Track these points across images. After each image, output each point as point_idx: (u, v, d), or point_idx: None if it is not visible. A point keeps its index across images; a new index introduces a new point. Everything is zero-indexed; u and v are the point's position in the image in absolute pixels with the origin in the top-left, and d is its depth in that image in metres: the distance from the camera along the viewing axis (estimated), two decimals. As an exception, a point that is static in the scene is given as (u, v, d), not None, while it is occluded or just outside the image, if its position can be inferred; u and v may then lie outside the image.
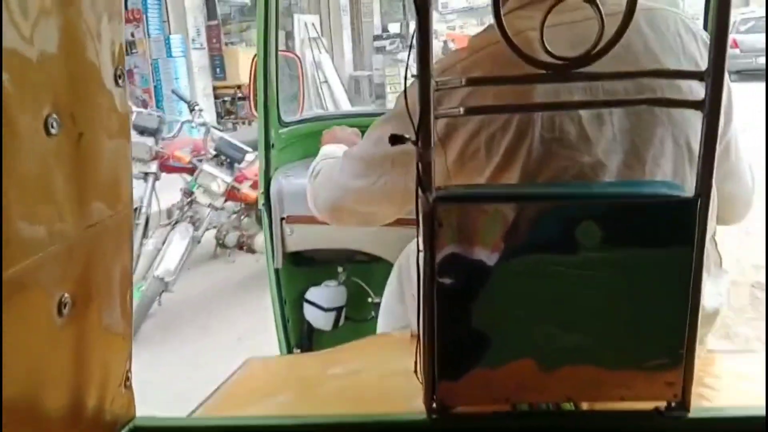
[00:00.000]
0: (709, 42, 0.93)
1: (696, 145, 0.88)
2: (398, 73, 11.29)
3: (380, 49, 13.06)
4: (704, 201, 0.58)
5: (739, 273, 3.94)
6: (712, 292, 0.98)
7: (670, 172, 0.88)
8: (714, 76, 0.56)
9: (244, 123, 9.94)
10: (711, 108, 0.56)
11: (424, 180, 0.58)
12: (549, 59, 0.57)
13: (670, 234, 0.60)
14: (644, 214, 0.60)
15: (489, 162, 0.89)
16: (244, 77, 10.19)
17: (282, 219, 1.81)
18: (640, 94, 0.81)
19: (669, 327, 0.63)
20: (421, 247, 0.61)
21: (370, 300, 1.94)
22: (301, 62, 2.38)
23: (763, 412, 0.66)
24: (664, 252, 0.61)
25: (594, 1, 0.57)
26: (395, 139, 0.58)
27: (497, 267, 0.61)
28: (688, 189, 0.62)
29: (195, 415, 0.86)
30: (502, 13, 0.56)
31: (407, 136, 0.58)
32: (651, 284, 0.62)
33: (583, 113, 0.86)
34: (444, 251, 0.60)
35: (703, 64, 0.90)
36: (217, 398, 0.94)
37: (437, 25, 18.30)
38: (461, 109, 0.62)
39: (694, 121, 0.88)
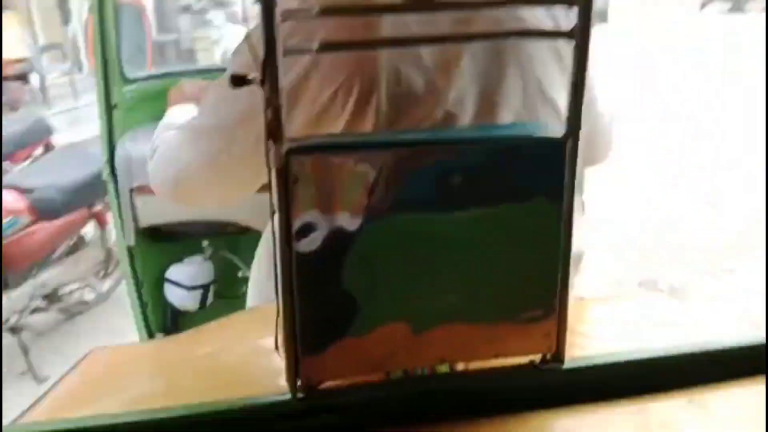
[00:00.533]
0: None
1: (547, 85, 0.86)
2: (209, 36, 9.99)
3: (186, 9, 11.29)
4: (574, 141, 0.55)
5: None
6: (576, 237, 0.98)
7: (524, 113, 0.85)
8: (584, 2, 0.51)
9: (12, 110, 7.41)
10: (582, 37, 0.52)
11: (274, 128, 0.49)
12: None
13: (538, 178, 0.56)
14: (511, 158, 0.56)
15: (337, 122, 0.84)
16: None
17: (131, 190, 1.64)
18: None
19: (542, 276, 0.60)
20: (275, 208, 0.53)
21: (241, 274, 1.83)
22: (145, 10, 2.16)
23: (636, 356, 0.65)
24: (534, 198, 0.57)
25: None
26: (238, 80, 0.49)
27: (361, 226, 0.54)
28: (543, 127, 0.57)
29: (22, 420, 0.73)
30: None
31: (251, 76, 0.49)
32: (522, 233, 0.59)
33: (431, 63, 0.81)
34: (301, 210, 0.52)
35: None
36: (52, 398, 0.80)
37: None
38: (314, 45, 0.54)
39: (545, 60, 0.86)
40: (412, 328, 0.58)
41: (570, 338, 0.62)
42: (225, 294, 1.87)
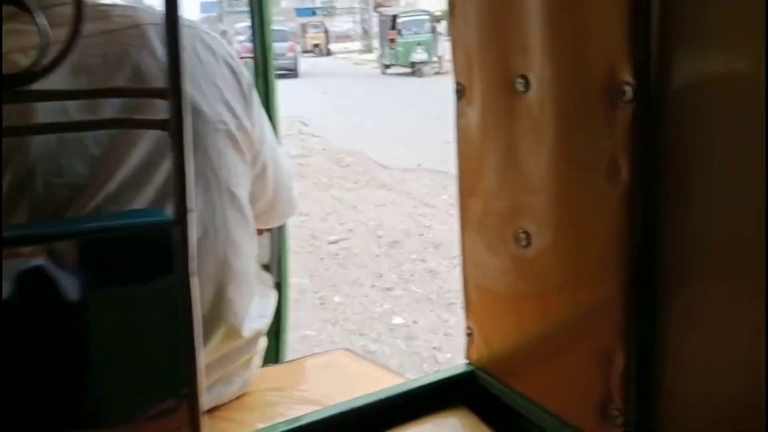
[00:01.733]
0: (234, 61, 0.92)
1: (225, 174, 0.87)
2: None
3: None
4: (183, 226, 0.54)
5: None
6: (255, 314, 0.99)
7: (200, 203, 0.84)
8: (174, 94, 0.52)
9: None
10: (176, 127, 0.52)
11: None
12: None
13: (150, 265, 0.55)
14: (119, 246, 0.54)
15: None
16: None
17: None
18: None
19: (168, 364, 0.57)
20: None
21: None
22: None
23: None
24: (151, 285, 0.56)
25: (29, 10, 0.48)
26: None
27: None
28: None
29: None
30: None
31: None
32: (143, 321, 0.56)
33: (98, 152, 0.77)
34: None
35: (225, 85, 0.89)
36: None
37: None
38: None
39: (220, 149, 0.87)
40: None
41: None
42: None
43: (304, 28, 29.54)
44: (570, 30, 0.57)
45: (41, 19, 0.48)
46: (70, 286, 0.53)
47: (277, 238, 1.44)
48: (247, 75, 0.96)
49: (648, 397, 0.65)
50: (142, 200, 0.80)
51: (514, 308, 0.77)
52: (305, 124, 10.29)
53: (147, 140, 0.80)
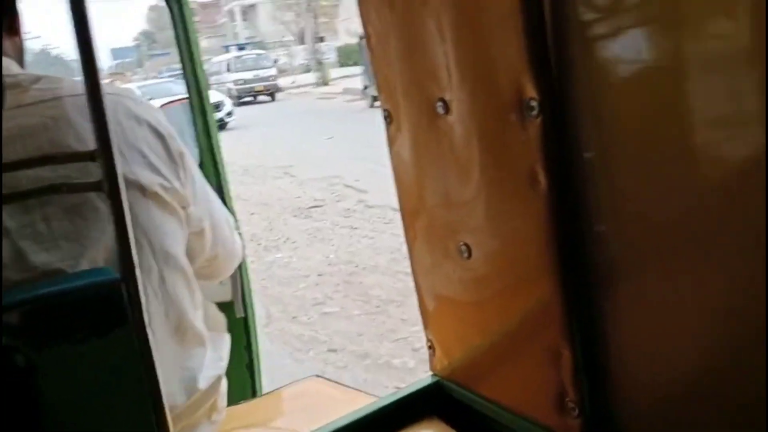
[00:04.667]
0: (160, 125, 0.92)
1: (157, 235, 0.86)
2: None
3: None
4: (132, 283, 0.54)
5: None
6: (210, 361, 0.97)
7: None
8: (105, 154, 0.52)
9: None
10: (110, 186, 0.53)
11: None
12: None
13: (103, 321, 0.55)
14: (68, 308, 0.54)
15: None
16: None
17: None
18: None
19: (134, 411, 0.57)
20: None
21: None
22: None
23: None
24: (106, 341, 0.55)
25: None
26: None
27: None
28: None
29: None
30: None
31: None
32: (102, 378, 0.56)
33: (12, 222, 0.74)
34: None
35: (150, 149, 0.89)
36: None
37: None
38: None
39: (151, 210, 0.86)
40: None
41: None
42: None
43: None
44: (476, 53, 0.59)
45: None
46: (29, 350, 0.53)
47: (238, 274, 1.43)
48: (174, 136, 0.95)
49: (599, 386, 0.66)
50: (57, 255, 0.77)
51: (466, 316, 0.78)
52: (357, 189, 6.99)
53: (56, 216, 0.78)
